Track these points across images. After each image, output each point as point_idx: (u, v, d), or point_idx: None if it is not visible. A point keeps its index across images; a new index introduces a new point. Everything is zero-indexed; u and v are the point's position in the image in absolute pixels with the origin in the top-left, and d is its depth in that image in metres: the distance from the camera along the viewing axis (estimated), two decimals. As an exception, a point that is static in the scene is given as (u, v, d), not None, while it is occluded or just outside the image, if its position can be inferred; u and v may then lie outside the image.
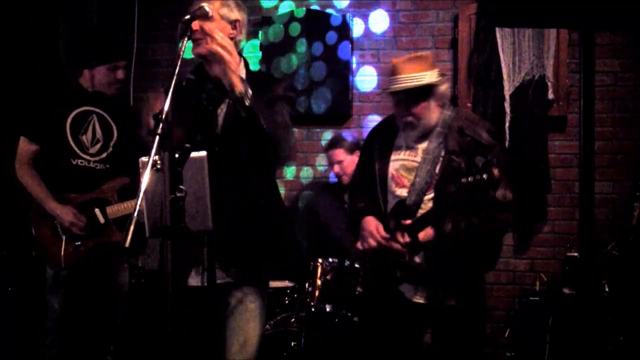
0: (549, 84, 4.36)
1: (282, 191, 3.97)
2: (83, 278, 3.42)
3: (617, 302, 3.60)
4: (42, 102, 3.53)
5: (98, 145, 3.50)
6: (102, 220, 3.45)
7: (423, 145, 2.87)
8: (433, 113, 2.86)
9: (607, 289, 3.61)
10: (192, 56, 2.61)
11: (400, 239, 2.77)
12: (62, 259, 3.36)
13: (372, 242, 2.83)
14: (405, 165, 2.89)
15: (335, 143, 4.21)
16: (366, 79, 4.77)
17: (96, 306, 3.50)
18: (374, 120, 4.67)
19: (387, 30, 4.74)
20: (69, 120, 3.46)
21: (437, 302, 2.83)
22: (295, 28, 4.67)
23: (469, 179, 2.60)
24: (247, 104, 2.40)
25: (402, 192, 2.86)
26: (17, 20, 4.41)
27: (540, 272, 4.34)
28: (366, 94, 4.77)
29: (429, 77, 2.84)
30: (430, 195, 2.81)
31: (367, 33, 4.76)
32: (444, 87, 2.90)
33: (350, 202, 3.22)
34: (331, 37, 4.66)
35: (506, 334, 4.05)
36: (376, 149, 2.98)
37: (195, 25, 2.45)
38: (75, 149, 3.45)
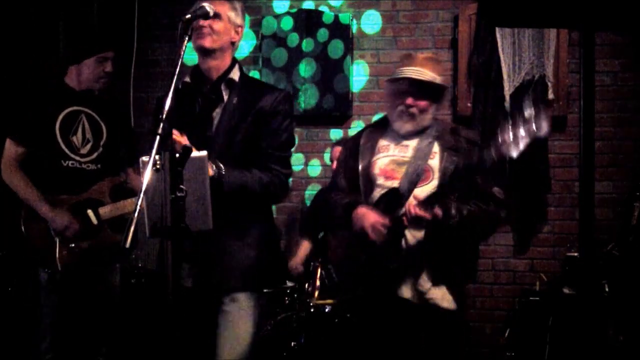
0: (549, 84, 4.36)
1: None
2: (77, 280, 3.35)
3: (617, 302, 3.60)
4: (30, 103, 3.44)
5: (88, 146, 3.43)
6: (95, 221, 3.39)
7: (413, 143, 2.92)
8: (430, 115, 2.93)
9: (607, 289, 3.61)
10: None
11: (419, 210, 2.72)
12: (57, 261, 3.29)
13: (381, 228, 2.78)
14: (395, 161, 2.91)
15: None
16: (366, 79, 4.77)
17: (89, 308, 3.42)
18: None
19: (387, 29, 4.74)
20: (59, 121, 3.39)
21: (430, 301, 2.83)
22: (293, 28, 4.67)
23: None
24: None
25: (393, 184, 2.87)
26: (17, 21, 4.41)
27: (540, 272, 4.34)
28: (366, 94, 4.77)
29: (443, 82, 2.99)
30: (424, 184, 2.83)
31: (367, 33, 4.77)
32: (446, 99, 3.05)
33: (332, 201, 3.06)
34: (329, 35, 4.66)
35: (506, 334, 4.05)
36: (359, 150, 2.98)
37: (204, 22, 2.51)
38: (66, 150, 3.38)
